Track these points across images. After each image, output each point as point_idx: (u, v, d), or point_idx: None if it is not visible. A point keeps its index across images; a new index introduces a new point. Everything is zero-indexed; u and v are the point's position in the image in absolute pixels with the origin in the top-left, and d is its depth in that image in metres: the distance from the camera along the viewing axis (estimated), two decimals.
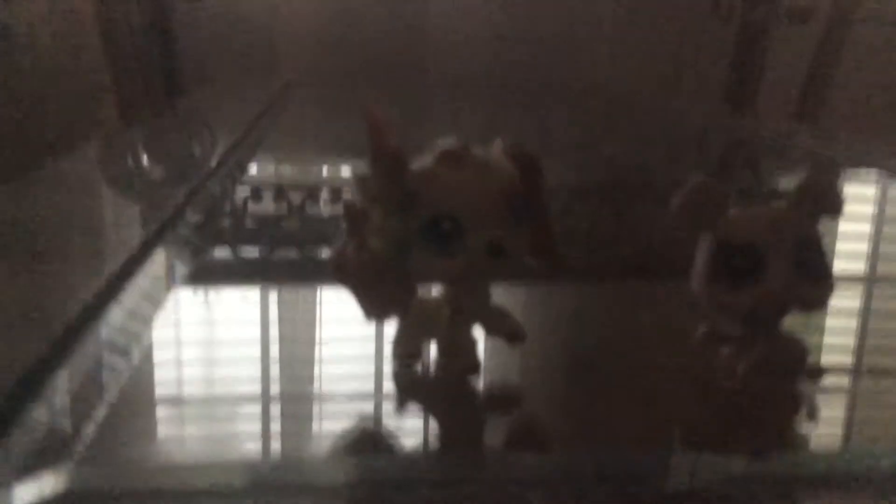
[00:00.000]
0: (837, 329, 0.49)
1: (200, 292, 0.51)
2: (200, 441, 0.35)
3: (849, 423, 0.39)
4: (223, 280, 0.54)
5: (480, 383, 0.38)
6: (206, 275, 0.54)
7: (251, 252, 0.60)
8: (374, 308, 0.36)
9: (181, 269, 0.53)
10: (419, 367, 0.39)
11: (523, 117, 1.33)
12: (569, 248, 0.55)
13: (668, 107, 1.40)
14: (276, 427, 0.36)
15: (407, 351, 0.38)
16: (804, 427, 0.37)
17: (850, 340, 0.48)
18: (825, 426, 0.38)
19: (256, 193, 0.71)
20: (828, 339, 0.48)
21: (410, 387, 0.38)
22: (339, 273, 0.36)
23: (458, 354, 0.38)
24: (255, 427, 0.36)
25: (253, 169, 0.87)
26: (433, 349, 0.39)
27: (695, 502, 0.30)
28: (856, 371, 0.44)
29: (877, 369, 0.45)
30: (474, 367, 0.38)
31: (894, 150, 1.06)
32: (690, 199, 0.37)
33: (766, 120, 1.37)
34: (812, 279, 0.36)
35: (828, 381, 0.43)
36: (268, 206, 0.69)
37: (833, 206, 0.37)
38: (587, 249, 0.56)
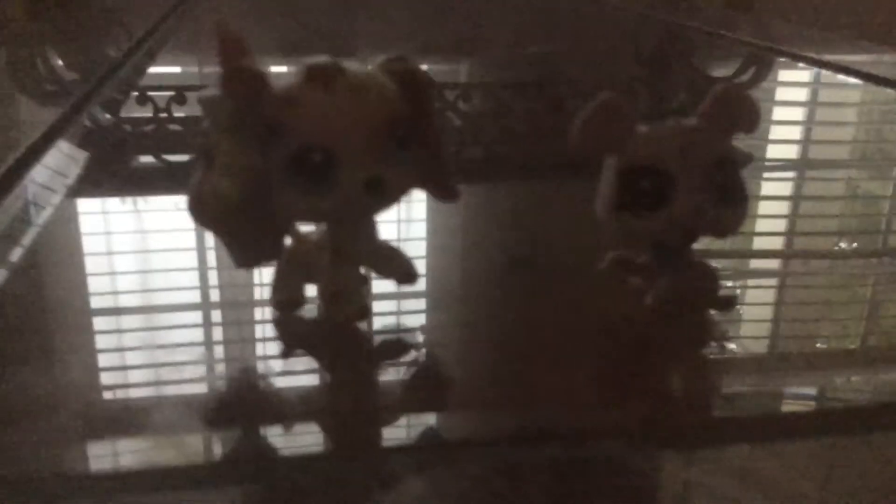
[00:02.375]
0: (770, 214, 0.49)
1: (130, 201, 0.48)
2: (140, 353, 0.33)
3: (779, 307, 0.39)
4: (153, 188, 0.51)
5: (373, 328, 0.35)
6: (134, 183, 0.52)
7: (179, 158, 0.56)
8: (241, 254, 0.32)
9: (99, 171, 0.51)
10: (302, 314, 0.35)
11: (456, 15, 1.26)
12: (508, 146, 0.54)
13: None
14: (216, 334, 0.35)
15: (286, 298, 0.35)
16: (715, 362, 0.34)
17: (782, 225, 0.48)
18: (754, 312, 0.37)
19: (180, 96, 0.65)
20: (760, 225, 0.48)
21: (294, 336, 0.35)
22: (197, 216, 0.31)
23: (342, 300, 0.34)
24: (196, 335, 0.34)
25: (177, 70, 0.83)
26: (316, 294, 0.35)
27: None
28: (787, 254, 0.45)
29: (807, 252, 0.46)
30: (362, 312, 0.34)
31: (827, 35, 1.04)
32: (594, 119, 0.33)
33: (701, 8, 1.33)
34: (724, 203, 0.33)
35: (759, 264, 0.44)
36: (193, 107, 0.66)
37: (748, 121, 0.33)
38: (525, 146, 0.53)
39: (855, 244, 0.47)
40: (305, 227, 0.34)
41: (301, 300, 0.35)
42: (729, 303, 0.36)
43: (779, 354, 0.36)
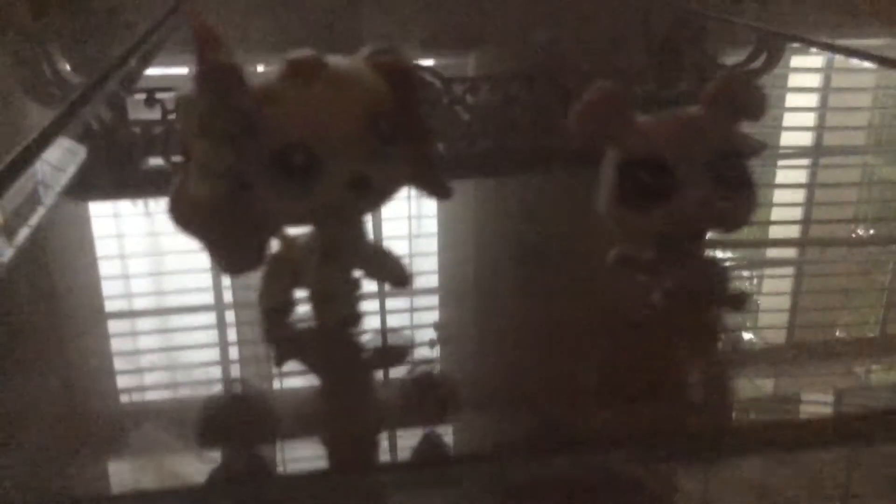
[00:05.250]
0: (785, 202, 0.49)
1: (140, 204, 0.47)
2: (155, 354, 0.33)
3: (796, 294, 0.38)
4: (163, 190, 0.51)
5: (365, 333, 0.33)
6: (144, 185, 0.50)
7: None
8: (226, 260, 0.31)
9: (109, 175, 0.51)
10: (291, 319, 0.33)
11: (461, 4, 1.24)
12: (514, 138, 0.53)
13: None
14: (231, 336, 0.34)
15: (273, 303, 0.33)
16: (725, 363, 0.33)
17: (798, 213, 0.48)
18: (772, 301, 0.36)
19: None
20: (776, 213, 0.47)
21: (284, 342, 0.33)
22: (176, 221, 0.30)
23: (332, 304, 0.32)
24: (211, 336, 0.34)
25: (184, 70, 0.83)
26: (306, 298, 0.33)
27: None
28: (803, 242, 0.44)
29: (823, 240, 0.45)
30: (353, 316, 0.33)
31: (839, 20, 1.02)
32: (591, 108, 0.32)
33: None
34: (731, 195, 0.31)
35: (775, 253, 0.43)
36: None
37: (753, 109, 0.31)
38: (533, 137, 0.53)
39: (872, 231, 0.46)
40: (293, 230, 0.33)
41: (290, 305, 0.33)
42: (739, 300, 0.34)
43: (796, 345, 0.34)
